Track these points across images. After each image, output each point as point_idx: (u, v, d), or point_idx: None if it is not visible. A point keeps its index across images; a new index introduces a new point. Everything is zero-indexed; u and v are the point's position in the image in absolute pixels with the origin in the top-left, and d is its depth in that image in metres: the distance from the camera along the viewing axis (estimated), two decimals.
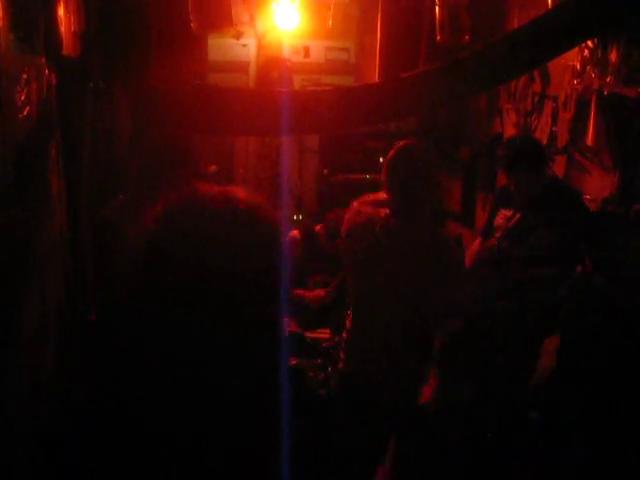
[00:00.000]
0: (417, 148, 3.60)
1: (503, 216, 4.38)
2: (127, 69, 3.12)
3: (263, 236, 1.30)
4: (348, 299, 3.68)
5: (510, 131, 5.77)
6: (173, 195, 1.32)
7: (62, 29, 2.31)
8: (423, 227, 3.48)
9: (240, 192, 1.33)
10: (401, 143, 3.57)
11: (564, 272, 3.81)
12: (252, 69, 7.30)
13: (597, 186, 4.39)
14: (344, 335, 3.61)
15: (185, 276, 1.22)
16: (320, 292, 5.04)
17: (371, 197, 3.66)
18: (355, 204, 3.65)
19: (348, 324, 3.59)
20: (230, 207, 1.29)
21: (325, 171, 7.11)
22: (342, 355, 3.62)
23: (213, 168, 3.65)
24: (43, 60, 2.10)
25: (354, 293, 3.60)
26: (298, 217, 6.87)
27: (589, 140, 4.38)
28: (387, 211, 3.51)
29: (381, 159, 6.92)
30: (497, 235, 4.35)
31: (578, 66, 4.58)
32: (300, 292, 5.07)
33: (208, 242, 1.24)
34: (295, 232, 5.67)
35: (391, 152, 3.54)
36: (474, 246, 4.63)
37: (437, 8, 5.49)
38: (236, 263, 1.24)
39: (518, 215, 4.25)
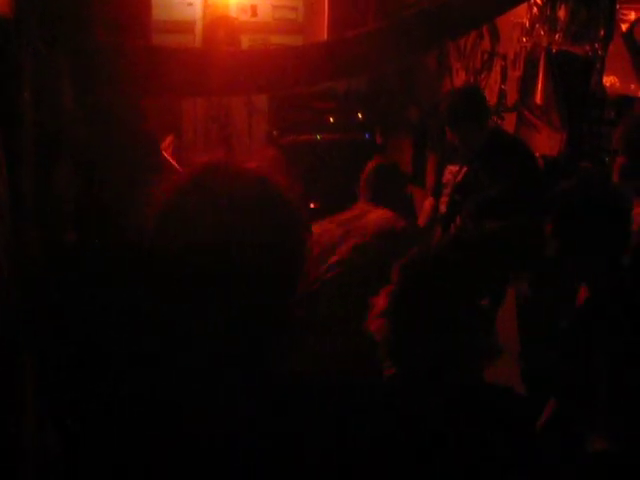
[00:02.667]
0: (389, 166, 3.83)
1: (450, 172, 4.37)
2: (68, 31, 3.01)
3: (289, 220, 1.25)
4: None
5: None
6: (200, 162, 1.27)
7: None
8: None
9: (270, 172, 1.28)
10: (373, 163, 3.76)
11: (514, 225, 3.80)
12: (198, 29, 7.14)
13: (546, 144, 4.42)
14: None
15: (208, 241, 1.16)
16: None
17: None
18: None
19: None
20: (262, 185, 1.24)
21: (275, 132, 7.03)
22: None
23: (171, 138, 3.57)
24: None
25: None
26: None
27: (538, 98, 4.39)
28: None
29: (331, 119, 6.90)
30: (446, 192, 4.35)
31: (527, 24, 4.59)
32: None
33: (238, 212, 1.18)
34: None
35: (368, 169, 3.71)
36: (426, 205, 4.63)
37: None
38: (263, 241, 1.19)
39: (465, 169, 4.22)
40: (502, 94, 5.01)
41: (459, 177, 4.23)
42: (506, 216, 3.79)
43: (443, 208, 4.37)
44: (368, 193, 3.67)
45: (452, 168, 4.35)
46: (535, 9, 4.45)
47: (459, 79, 5.76)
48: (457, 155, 4.29)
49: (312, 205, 5.54)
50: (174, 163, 3.89)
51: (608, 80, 3.82)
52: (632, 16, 3.72)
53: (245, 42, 7.14)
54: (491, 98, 4.86)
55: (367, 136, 6.56)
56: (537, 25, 4.45)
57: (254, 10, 7.29)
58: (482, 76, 5.35)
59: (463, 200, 4.13)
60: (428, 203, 4.62)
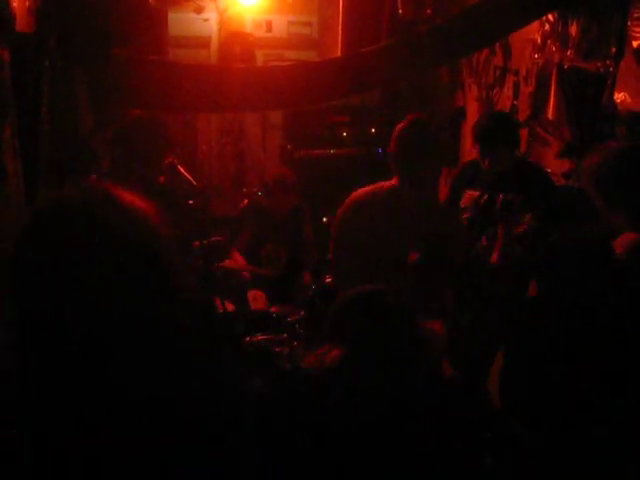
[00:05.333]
0: (425, 121, 3.73)
1: (469, 196, 4.33)
2: (85, 46, 3.07)
3: (140, 228, 1.29)
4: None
5: (472, 105, 5.80)
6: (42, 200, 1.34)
7: (15, 4, 2.27)
8: (432, 195, 3.65)
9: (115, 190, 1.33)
10: (411, 118, 3.68)
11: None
12: (214, 44, 7.22)
13: (557, 159, 4.44)
14: None
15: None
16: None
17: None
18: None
19: None
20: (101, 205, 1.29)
21: (289, 146, 7.08)
22: None
23: (170, 159, 3.62)
24: None
25: (350, 268, 3.64)
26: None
27: (549, 114, 4.41)
28: (393, 182, 3.62)
29: (345, 133, 6.94)
30: (465, 216, 4.31)
31: (539, 40, 4.61)
32: (251, 268, 5.10)
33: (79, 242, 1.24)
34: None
35: (402, 125, 3.65)
36: None
37: None
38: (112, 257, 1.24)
39: (486, 195, 4.19)
40: (514, 109, 5.03)
41: (481, 203, 4.20)
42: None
43: None
44: None
45: (472, 193, 4.31)
46: (547, 26, 4.47)
47: (471, 94, 5.79)
48: (478, 180, 4.27)
49: (325, 219, 5.58)
50: (187, 175, 3.93)
51: (619, 96, 3.84)
52: None
53: (260, 57, 7.22)
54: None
55: (379, 150, 6.59)
56: (549, 41, 4.47)
57: (269, 26, 7.36)
58: (494, 91, 5.37)
59: (485, 226, 4.10)
60: None
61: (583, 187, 2.86)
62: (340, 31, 6.56)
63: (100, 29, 3.26)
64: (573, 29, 4.25)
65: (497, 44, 5.12)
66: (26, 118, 2.36)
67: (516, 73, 5.04)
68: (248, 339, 3.89)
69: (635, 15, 3.79)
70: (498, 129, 4.09)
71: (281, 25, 7.43)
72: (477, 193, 4.23)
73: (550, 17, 4.40)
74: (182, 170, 3.90)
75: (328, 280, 4.20)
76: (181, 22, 6.84)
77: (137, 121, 3.49)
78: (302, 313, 4.17)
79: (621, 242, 2.72)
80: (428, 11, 5.38)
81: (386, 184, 3.67)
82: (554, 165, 4.40)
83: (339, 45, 6.59)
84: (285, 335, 4.05)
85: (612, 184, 2.70)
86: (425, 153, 3.59)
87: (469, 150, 5.73)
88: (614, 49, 3.95)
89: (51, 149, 2.67)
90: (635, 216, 2.68)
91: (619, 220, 2.75)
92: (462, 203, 4.36)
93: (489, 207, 4.13)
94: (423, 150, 3.59)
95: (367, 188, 3.71)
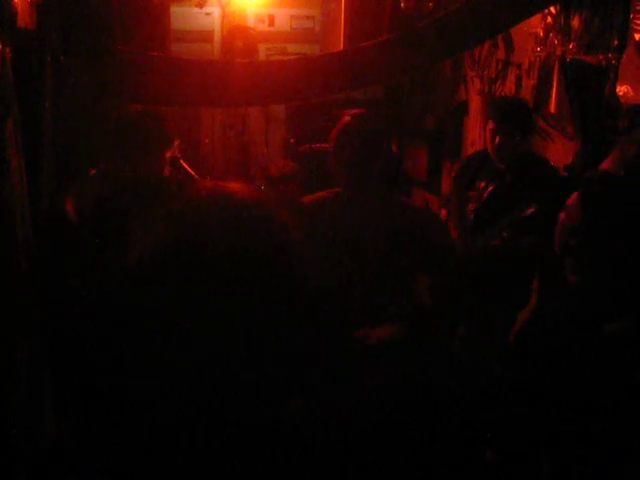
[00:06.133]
0: (366, 117, 3.49)
1: (475, 187, 4.33)
2: (87, 41, 3.08)
3: (261, 220, 1.30)
4: None
5: (475, 98, 5.79)
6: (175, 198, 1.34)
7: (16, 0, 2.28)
8: (383, 197, 3.28)
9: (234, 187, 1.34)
10: (348, 115, 3.43)
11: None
12: (216, 38, 7.22)
13: (560, 153, 4.44)
14: None
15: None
16: None
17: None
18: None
19: None
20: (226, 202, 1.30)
21: (292, 140, 7.08)
22: None
23: (173, 153, 3.62)
24: None
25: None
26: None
27: (552, 107, 4.41)
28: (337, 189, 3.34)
29: None
30: (471, 207, 4.31)
31: (541, 33, 4.61)
32: None
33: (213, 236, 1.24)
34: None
35: (341, 123, 3.38)
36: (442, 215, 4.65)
37: None
38: (237, 248, 1.24)
39: (491, 186, 4.19)
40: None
41: (485, 194, 4.21)
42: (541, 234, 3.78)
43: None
44: None
45: (477, 184, 4.32)
46: (549, 18, 4.47)
47: (474, 88, 5.79)
48: (484, 170, 4.27)
49: None
50: (189, 169, 3.95)
51: (621, 89, 3.84)
52: None
53: (263, 51, 7.22)
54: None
55: None
56: (551, 34, 4.47)
57: (272, 20, 7.36)
58: (497, 85, 5.38)
59: (492, 217, 4.09)
60: (443, 213, 4.64)
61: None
62: (342, 25, 6.57)
63: (102, 24, 3.26)
64: (575, 22, 4.25)
65: (499, 37, 5.12)
66: (29, 113, 2.37)
67: (518, 66, 5.04)
68: None
69: (637, 7, 3.79)
70: (516, 107, 4.13)
71: (284, 19, 7.42)
72: (482, 184, 4.25)
73: (552, 10, 4.40)
74: (184, 164, 3.91)
75: None
76: (183, 16, 6.84)
77: (137, 115, 3.50)
78: None
79: None
80: (430, 4, 5.38)
81: (325, 193, 3.38)
82: (556, 158, 4.40)
83: (341, 39, 6.60)
84: None
85: None
86: (369, 153, 3.24)
87: (472, 143, 5.74)
88: (616, 42, 3.95)
89: (54, 144, 2.68)
90: None
91: None
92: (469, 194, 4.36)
93: (493, 199, 4.14)
94: (366, 149, 3.24)
95: (309, 197, 3.43)
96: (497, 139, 4.03)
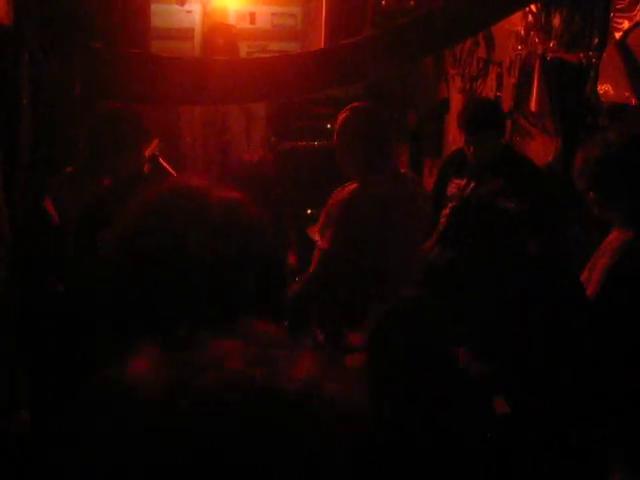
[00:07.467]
0: (368, 109, 3.56)
1: (456, 185, 4.31)
2: (65, 38, 3.05)
3: (244, 221, 1.29)
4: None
5: (456, 96, 5.80)
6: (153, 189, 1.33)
7: None
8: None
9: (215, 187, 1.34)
10: (349, 108, 3.48)
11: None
12: (197, 36, 7.18)
13: (540, 151, 4.45)
14: None
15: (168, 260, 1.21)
16: None
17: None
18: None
19: None
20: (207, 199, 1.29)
21: (272, 138, 7.06)
22: None
23: (156, 142, 3.59)
24: None
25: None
26: None
27: (533, 105, 4.42)
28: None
29: (329, 125, 6.91)
30: (451, 205, 4.28)
31: (522, 31, 4.62)
32: None
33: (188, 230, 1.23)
34: None
35: (343, 115, 3.48)
36: None
37: None
38: (216, 248, 1.23)
39: (473, 183, 4.18)
40: (498, 101, 5.04)
41: (466, 191, 4.19)
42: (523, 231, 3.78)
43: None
44: None
45: (458, 182, 4.31)
46: (530, 17, 4.48)
47: (455, 85, 5.80)
48: (464, 168, 4.24)
49: (309, 211, 5.56)
50: (168, 167, 3.91)
51: (602, 88, 3.85)
52: (625, 24, 3.75)
53: (244, 49, 7.18)
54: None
55: None
56: (532, 33, 4.48)
57: (253, 17, 7.33)
58: (478, 83, 5.38)
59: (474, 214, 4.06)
60: None
61: (574, 178, 2.77)
62: (323, 23, 6.56)
63: (81, 21, 3.23)
64: (556, 20, 4.27)
65: (480, 35, 5.12)
66: (5, 109, 2.34)
67: (499, 64, 5.05)
68: None
69: (618, 6, 3.81)
70: (482, 113, 4.08)
71: (265, 17, 7.39)
72: (463, 182, 4.22)
73: (533, 8, 4.41)
74: (163, 162, 3.88)
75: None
76: (164, 14, 6.79)
77: (112, 112, 3.46)
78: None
79: (611, 242, 2.65)
80: (411, 2, 5.38)
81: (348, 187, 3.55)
82: (537, 156, 4.41)
83: (322, 37, 6.58)
84: None
85: (616, 175, 2.57)
86: (378, 145, 3.41)
87: (453, 141, 5.74)
88: (597, 40, 3.96)
89: (31, 140, 2.65)
90: (634, 212, 2.57)
91: (612, 216, 2.68)
92: (449, 191, 4.35)
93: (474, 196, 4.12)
94: (375, 142, 3.41)
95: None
96: (471, 149, 4.03)
